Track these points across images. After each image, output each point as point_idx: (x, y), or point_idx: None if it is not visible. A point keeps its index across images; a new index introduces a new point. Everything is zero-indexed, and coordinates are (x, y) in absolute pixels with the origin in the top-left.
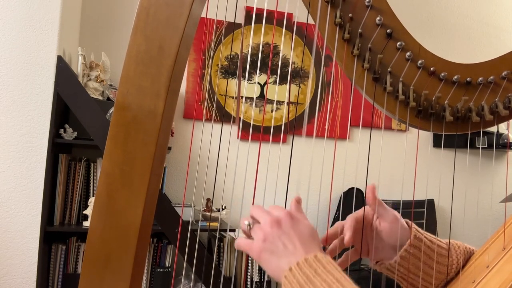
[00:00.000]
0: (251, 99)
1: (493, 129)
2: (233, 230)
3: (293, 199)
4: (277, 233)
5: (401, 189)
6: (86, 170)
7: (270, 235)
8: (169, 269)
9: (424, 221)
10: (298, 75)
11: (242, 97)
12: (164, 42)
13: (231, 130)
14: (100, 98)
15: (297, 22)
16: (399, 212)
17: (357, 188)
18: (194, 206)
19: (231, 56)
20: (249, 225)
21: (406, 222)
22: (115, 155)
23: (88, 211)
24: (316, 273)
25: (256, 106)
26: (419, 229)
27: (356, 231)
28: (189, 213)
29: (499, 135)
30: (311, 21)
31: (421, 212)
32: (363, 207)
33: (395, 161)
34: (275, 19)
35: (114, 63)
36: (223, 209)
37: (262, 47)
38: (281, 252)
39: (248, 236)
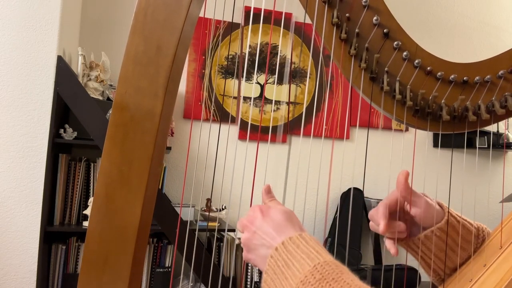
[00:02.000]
0: (250, 99)
1: (492, 128)
2: (232, 230)
3: (262, 189)
4: (251, 231)
5: None
6: (86, 170)
7: (246, 239)
8: (169, 269)
9: None
10: (298, 75)
11: (241, 97)
12: (162, 42)
13: (229, 130)
14: (100, 98)
15: (296, 22)
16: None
17: (355, 188)
18: (193, 206)
19: (231, 56)
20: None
21: (440, 205)
22: (114, 155)
23: (88, 211)
24: (298, 248)
25: (255, 106)
26: (453, 213)
27: (390, 217)
28: (189, 213)
29: (499, 135)
30: (308, 21)
31: None
32: (394, 192)
33: (394, 161)
34: (272, 18)
35: (114, 63)
36: (222, 209)
37: (262, 47)
38: (261, 246)
39: None
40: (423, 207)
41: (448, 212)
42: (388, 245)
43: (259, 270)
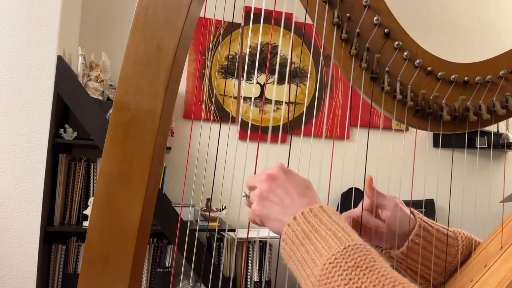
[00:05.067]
0: (251, 99)
1: (493, 129)
2: (232, 230)
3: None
4: (272, 187)
5: (400, 189)
6: (86, 170)
7: (265, 191)
8: (169, 269)
9: None
10: (298, 75)
11: (241, 97)
12: (163, 42)
13: (229, 130)
14: (100, 98)
15: (296, 22)
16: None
17: (356, 188)
18: (193, 206)
19: (231, 56)
20: (245, 195)
21: (412, 212)
22: (114, 155)
23: (88, 211)
24: (321, 222)
25: (255, 106)
26: (425, 218)
27: (357, 224)
28: (189, 213)
29: (499, 135)
30: (309, 21)
31: (420, 212)
32: (361, 203)
33: (394, 161)
34: (273, 18)
35: (114, 63)
36: (222, 209)
37: (262, 47)
38: (279, 205)
39: (250, 205)
40: (391, 209)
41: (421, 218)
42: None
43: (259, 270)
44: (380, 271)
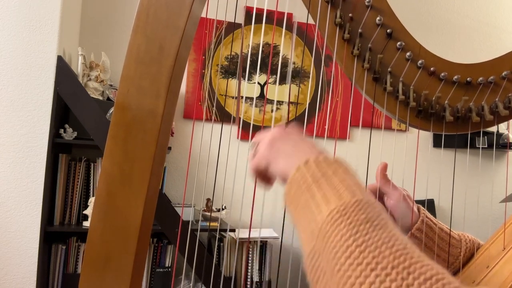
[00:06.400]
0: (251, 99)
1: (493, 129)
2: (233, 230)
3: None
4: (283, 134)
5: None
6: (86, 170)
7: (277, 134)
8: (169, 269)
9: None
10: (298, 75)
11: (242, 97)
12: (164, 42)
13: (231, 130)
14: (100, 98)
15: (298, 22)
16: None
17: None
18: (194, 206)
19: (231, 56)
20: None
21: (418, 208)
22: (115, 155)
23: (88, 211)
24: (336, 172)
25: (256, 106)
26: (430, 216)
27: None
28: (189, 213)
29: (499, 135)
30: (311, 21)
31: None
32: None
33: (395, 161)
34: (275, 18)
35: (114, 63)
36: (223, 209)
37: (262, 47)
38: (291, 148)
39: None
40: (395, 198)
41: (425, 214)
42: None
43: (259, 270)
44: (392, 231)
